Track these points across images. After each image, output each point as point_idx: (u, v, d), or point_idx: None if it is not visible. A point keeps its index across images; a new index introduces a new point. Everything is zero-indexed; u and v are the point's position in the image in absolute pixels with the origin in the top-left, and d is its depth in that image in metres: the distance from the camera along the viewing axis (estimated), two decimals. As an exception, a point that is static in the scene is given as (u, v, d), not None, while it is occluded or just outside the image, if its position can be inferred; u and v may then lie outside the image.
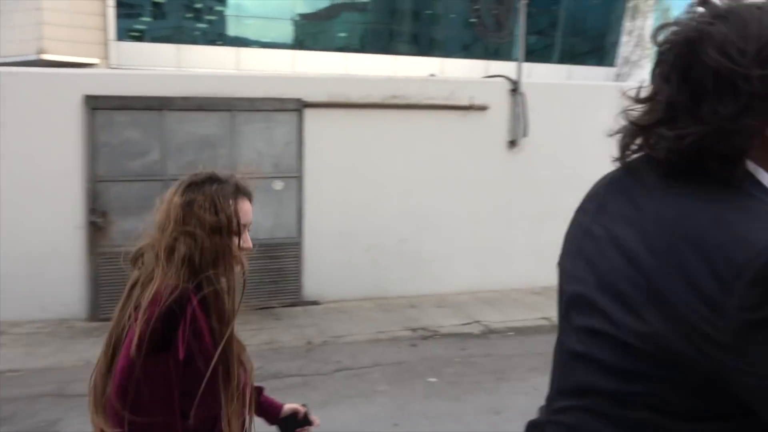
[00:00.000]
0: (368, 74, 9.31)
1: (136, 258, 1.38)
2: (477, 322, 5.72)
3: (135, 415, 1.21)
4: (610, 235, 0.86)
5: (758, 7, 0.78)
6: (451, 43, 18.36)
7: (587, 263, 0.90)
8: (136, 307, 1.26)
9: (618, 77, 19.55)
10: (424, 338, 5.35)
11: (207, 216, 1.31)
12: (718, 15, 0.77)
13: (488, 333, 5.53)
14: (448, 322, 5.71)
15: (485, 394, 4.19)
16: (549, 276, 6.37)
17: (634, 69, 24.32)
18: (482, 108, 6.66)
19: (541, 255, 6.84)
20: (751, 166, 0.78)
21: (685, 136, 0.76)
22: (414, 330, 5.48)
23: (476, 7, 17.27)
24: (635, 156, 0.89)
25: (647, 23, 24.51)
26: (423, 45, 17.99)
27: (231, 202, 1.35)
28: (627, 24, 20.79)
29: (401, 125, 6.46)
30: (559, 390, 0.97)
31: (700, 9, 0.80)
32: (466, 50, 17.96)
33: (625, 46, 21.34)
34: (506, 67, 7.01)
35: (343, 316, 5.87)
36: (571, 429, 0.90)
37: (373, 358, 4.82)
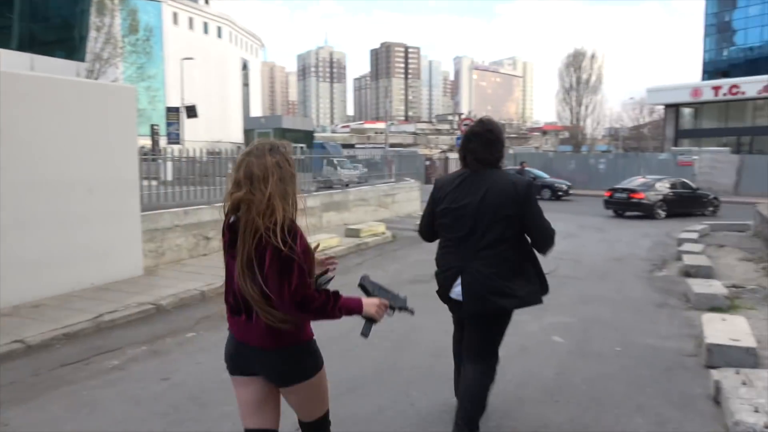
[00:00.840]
0: None
1: (236, 207, 1.99)
2: None
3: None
4: (480, 194, 3.01)
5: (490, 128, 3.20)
6: None
7: (471, 207, 3.02)
8: (262, 233, 1.92)
9: (90, 74, 18.80)
10: None
11: (292, 169, 2.04)
12: (486, 122, 3.24)
13: (-64, 377, 4.41)
14: None
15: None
16: (16, 293, 5.50)
17: (107, 67, 23.91)
18: None
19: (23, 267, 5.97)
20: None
21: (500, 158, 3.16)
22: None
23: None
24: (469, 162, 3.15)
25: (115, 21, 24.44)
26: None
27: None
28: (95, 19, 20.14)
29: None
30: (472, 248, 3.02)
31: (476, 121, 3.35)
32: None
33: (95, 41, 20.67)
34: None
35: None
36: (490, 257, 3.00)
37: None
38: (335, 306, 2.04)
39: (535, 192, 3.11)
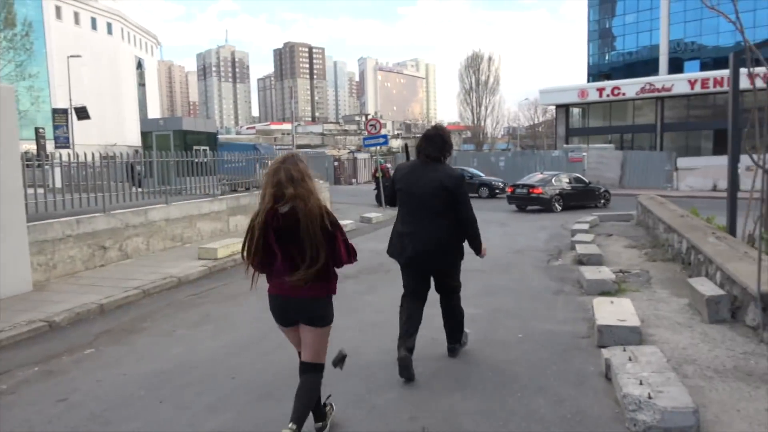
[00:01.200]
0: None
1: (287, 200, 2.78)
2: None
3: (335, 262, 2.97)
4: (424, 181, 4.20)
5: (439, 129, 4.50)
6: None
7: (417, 189, 4.22)
8: (310, 216, 2.80)
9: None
10: None
11: (312, 172, 2.93)
12: (438, 128, 4.56)
13: None
14: None
15: None
16: None
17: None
18: None
19: None
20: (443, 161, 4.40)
21: (445, 155, 4.34)
22: None
23: None
24: (421, 156, 4.34)
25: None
26: None
27: None
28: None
29: None
30: (418, 220, 4.21)
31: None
32: None
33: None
34: None
35: None
36: (428, 226, 4.20)
37: None
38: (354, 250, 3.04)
39: (464, 183, 4.29)
